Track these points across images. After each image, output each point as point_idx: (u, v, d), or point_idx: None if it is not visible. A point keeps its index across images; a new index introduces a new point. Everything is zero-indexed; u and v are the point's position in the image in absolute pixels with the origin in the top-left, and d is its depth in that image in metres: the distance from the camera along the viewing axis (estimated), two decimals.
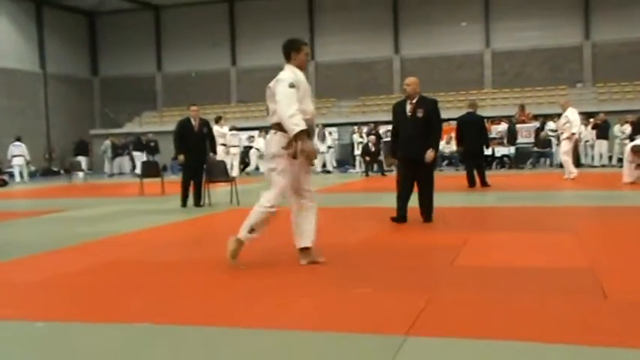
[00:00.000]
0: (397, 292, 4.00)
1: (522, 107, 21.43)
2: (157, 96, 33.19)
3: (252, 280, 4.56)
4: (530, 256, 5.16)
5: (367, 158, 18.65)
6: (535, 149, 19.85)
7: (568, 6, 27.94)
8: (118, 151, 26.21)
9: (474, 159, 12.30)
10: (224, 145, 17.46)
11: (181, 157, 10.38)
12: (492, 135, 19.37)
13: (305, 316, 3.56)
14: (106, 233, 7.28)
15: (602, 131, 19.48)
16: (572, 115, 13.26)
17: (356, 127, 22.21)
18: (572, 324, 3.22)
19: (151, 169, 14.55)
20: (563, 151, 13.53)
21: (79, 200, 12.97)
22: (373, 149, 18.67)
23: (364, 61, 30.49)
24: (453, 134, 15.77)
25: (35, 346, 3.28)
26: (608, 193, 10.52)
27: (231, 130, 19.84)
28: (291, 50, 5.24)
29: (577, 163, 16.53)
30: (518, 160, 19.86)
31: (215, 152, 11.15)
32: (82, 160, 24.57)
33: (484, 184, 12.12)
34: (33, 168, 25.06)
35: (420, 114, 7.25)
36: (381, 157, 19.12)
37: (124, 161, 26.43)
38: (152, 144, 24.42)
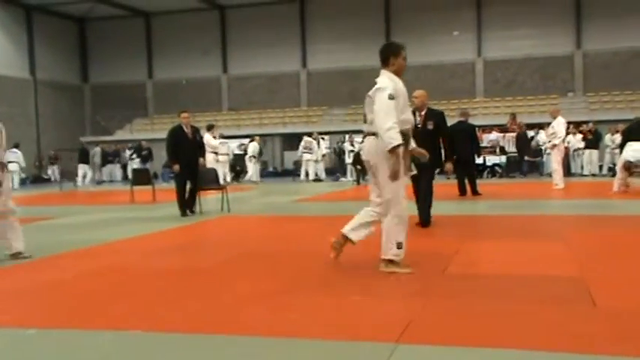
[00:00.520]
0: (389, 299, 4.00)
1: (513, 116, 21.53)
2: (147, 103, 33.14)
3: (243, 287, 4.54)
4: (521, 264, 5.17)
5: (358, 167, 18.65)
6: (525, 158, 19.93)
7: (560, 15, 28.15)
8: (108, 158, 26.09)
9: (465, 167, 12.32)
10: (215, 153, 17.42)
11: (176, 167, 10.15)
12: (484, 144, 19.44)
13: (296, 323, 3.54)
14: (97, 241, 7.24)
15: (592, 140, 19.58)
16: (557, 125, 13.33)
17: (347, 136, 22.22)
18: (562, 332, 3.22)
19: (142, 177, 14.50)
20: (554, 161, 13.60)
21: (69, 207, 12.90)
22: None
23: (356, 70, 30.54)
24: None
25: (26, 353, 3.25)
26: (598, 202, 10.57)
27: (219, 138, 19.85)
28: (390, 55, 5.05)
29: (567, 172, 16.61)
30: (510, 169, 19.94)
31: (204, 158, 11.03)
32: (85, 167, 24.53)
33: (475, 192, 12.15)
34: (23, 175, 24.95)
35: (430, 126, 7.68)
36: None
37: (115, 169, 26.32)
38: (145, 152, 24.34)
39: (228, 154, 20.45)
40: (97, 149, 26.37)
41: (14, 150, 22.25)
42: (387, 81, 4.87)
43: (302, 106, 31.42)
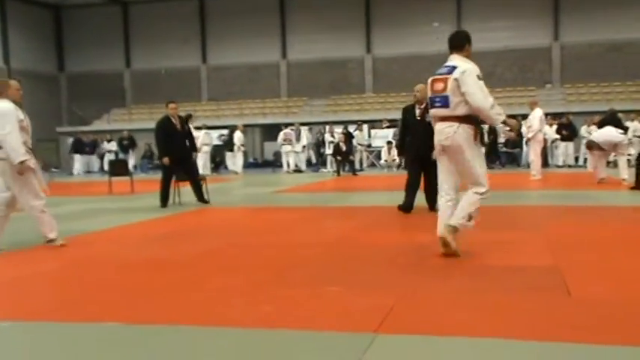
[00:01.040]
0: (367, 290, 4.02)
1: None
2: (125, 93, 32.80)
3: (221, 279, 4.54)
4: (498, 254, 5.22)
5: (338, 158, 18.68)
6: (504, 149, 20.11)
7: (538, 8, 28.35)
8: (85, 149, 25.79)
9: None
10: None
11: (166, 160, 9.87)
12: None
13: (274, 314, 3.55)
14: (73, 232, 7.17)
15: (567, 132, 19.80)
16: (533, 117, 13.47)
17: (327, 127, 22.22)
18: (538, 320, 3.27)
19: (120, 168, 14.38)
20: (532, 152, 13.75)
21: (46, 199, 12.72)
22: (344, 149, 18.71)
23: (336, 60, 30.52)
24: None
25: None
26: (574, 193, 10.70)
27: (203, 128, 19.80)
28: (466, 41, 5.20)
29: (544, 163, 16.77)
30: (488, 159, 20.10)
31: (196, 150, 10.83)
32: (78, 158, 24.26)
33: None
34: None
35: (429, 118, 7.67)
36: (352, 157, 19.20)
37: (92, 159, 26.06)
38: (125, 142, 24.13)
39: (209, 145, 20.39)
40: (70, 140, 26.11)
41: None
42: (469, 64, 5.02)
43: (282, 96, 31.32)
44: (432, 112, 5.21)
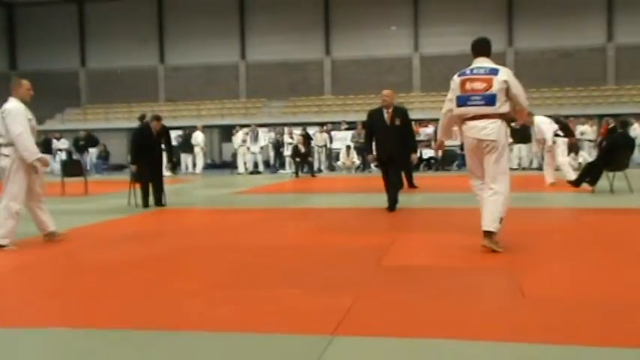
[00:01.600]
0: (324, 292, 4.03)
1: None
2: (80, 92, 32.15)
3: (178, 282, 4.48)
4: (454, 256, 5.29)
5: (297, 159, 18.68)
6: (461, 152, 20.38)
7: (493, 14, 28.93)
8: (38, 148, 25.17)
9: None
10: None
11: (133, 168, 10.04)
12: (420, 137, 19.78)
13: (231, 317, 3.53)
14: (21, 234, 6.97)
15: (521, 135, 20.16)
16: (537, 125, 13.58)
17: (286, 128, 22.19)
18: (492, 321, 3.33)
19: (74, 168, 14.07)
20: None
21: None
22: (303, 150, 18.72)
23: (295, 62, 30.52)
24: None
25: None
26: (527, 195, 10.92)
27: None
28: (491, 48, 5.53)
29: None
30: (445, 162, 20.38)
31: (171, 162, 10.79)
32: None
33: (411, 185, 12.35)
34: None
35: (397, 122, 8.56)
36: (311, 159, 19.22)
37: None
38: (82, 142, 23.57)
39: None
40: None
41: None
42: (505, 67, 5.39)
43: (241, 97, 31.17)
44: (466, 110, 5.34)
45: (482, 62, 5.35)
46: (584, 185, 10.63)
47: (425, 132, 21.32)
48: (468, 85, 5.28)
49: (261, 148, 21.78)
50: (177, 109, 29.50)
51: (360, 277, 4.51)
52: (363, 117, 24.58)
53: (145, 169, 9.97)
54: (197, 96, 30.55)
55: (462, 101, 5.36)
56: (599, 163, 10.74)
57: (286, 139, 21.56)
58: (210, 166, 24.74)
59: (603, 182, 10.46)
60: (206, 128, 23.50)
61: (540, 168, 17.88)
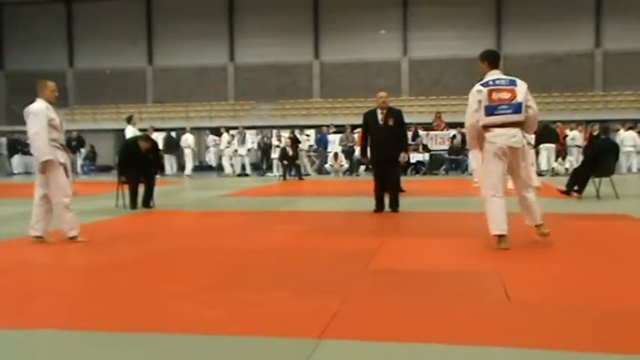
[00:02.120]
0: (311, 295, 4.03)
1: (438, 114, 22.02)
2: (68, 93, 31.96)
3: (166, 284, 4.46)
4: (441, 260, 5.32)
5: (285, 162, 18.67)
6: (449, 156, 20.49)
7: (482, 19, 29.11)
8: (25, 149, 24.94)
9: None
10: None
11: (123, 178, 10.07)
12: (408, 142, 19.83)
13: (218, 319, 3.52)
14: (7, 235, 6.93)
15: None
16: None
17: (275, 131, 22.19)
18: (478, 325, 3.34)
19: None
20: (473, 160, 13.92)
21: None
22: (291, 153, 18.71)
23: (284, 65, 30.54)
24: None
25: None
26: (514, 199, 10.98)
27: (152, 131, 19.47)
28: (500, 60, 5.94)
29: None
30: (433, 166, 20.45)
31: (161, 172, 10.74)
32: (16, 158, 23.41)
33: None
34: None
35: (391, 122, 8.69)
36: (299, 162, 19.21)
37: (32, 160, 25.22)
38: (74, 143, 23.38)
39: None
40: (3, 139, 25.24)
41: None
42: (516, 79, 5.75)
43: (229, 99, 31.13)
44: (495, 118, 5.58)
45: (499, 74, 5.73)
46: (574, 193, 10.68)
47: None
48: (495, 95, 5.57)
49: (249, 150, 21.75)
50: (166, 111, 29.42)
51: (347, 280, 4.51)
52: (352, 120, 24.69)
53: (133, 171, 9.93)
54: (185, 97, 30.48)
55: (490, 110, 5.58)
56: (585, 169, 10.80)
57: (274, 141, 21.56)
58: (197, 168, 24.66)
59: (589, 188, 10.53)
60: (194, 130, 23.44)
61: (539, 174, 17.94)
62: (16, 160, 24.43)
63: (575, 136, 20.11)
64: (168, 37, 31.05)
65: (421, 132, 21.33)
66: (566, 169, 17.94)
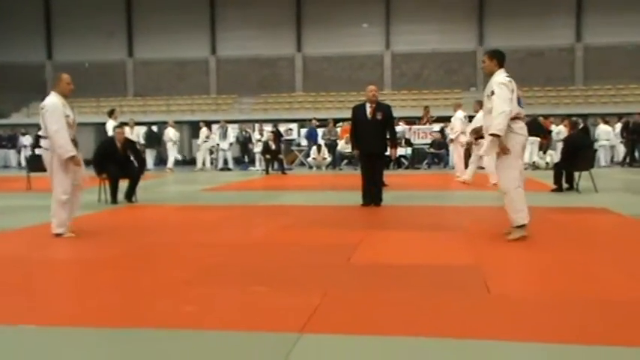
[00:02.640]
0: (293, 289, 4.02)
1: (427, 109, 22.02)
2: (46, 86, 31.58)
3: (144, 279, 4.43)
4: (422, 253, 5.34)
5: (267, 156, 18.61)
6: (431, 150, 20.54)
7: (464, 13, 29.21)
8: (2, 142, 24.69)
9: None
10: None
11: (104, 176, 9.88)
12: None
13: (198, 314, 3.49)
14: None
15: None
16: (454, 119, 13.79)
17: (257, 125, 22.11)
18: (458, 318, 3.35)
19: (40, 163, 13.74)
20: (454, 154, 14.01)
21: None
22: (273, 147, 18.66)
23: (266, 58, 30.44)
24: None
25: None
26: (497, 194, 11.05)
27: (132, 125, 19.35)
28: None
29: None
30: (415, 160, 20.50)
31: (142, 172, 10.56)
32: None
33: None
34: None
35: (379, 116, 8.78)
36: (282, 156, 19.16)
37: (10, 154, 24.96)
38: None
39: (138, 142, 19.91)
40: None
41: None
42: None
43: (211, 93, 30.96)
44: (522, 111, 5.97)
45: (505, 73, 5.96)
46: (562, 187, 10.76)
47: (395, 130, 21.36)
48: (518, 92, 5.94)
49: (231, 144, 21.67)
50: (147, 104, 29.20)
51: (328, 274, 4.50)
52: (335, 114, 24.70)
53: (112, 167, 9.82)
54: (167, 91, 30.28)
55: (519, 102, 5.95)
56: (565, 164, 10.88)
57: (256, 135, 21.48)
58: (179, 162, 24.51)
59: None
60: (176, 124, 23.30)
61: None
62: None
63: (561, 131, 20.28)
64: (148, 29, 30.79)
65: (404, 126, 21.33)
66: (547, 163, 18.08)
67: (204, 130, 21.29)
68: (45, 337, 3.19)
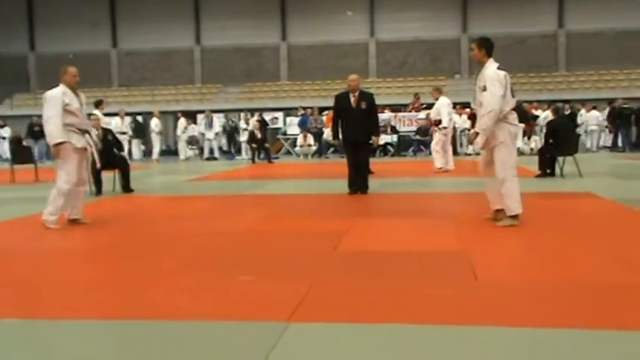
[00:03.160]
0: (280, 278, 4.03)
1: (417, 96, 22.00)
2: (29, 77, 31.26)
3: (130, 270, 4.42)
4: (409, 240, 5.36)
5: (254, 145, 18.58)
6: (417, 137, 20.59)
7: (448, 1, 29.23)
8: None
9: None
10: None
11: None
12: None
13: (184, 304, 3.50)
14: None
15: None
16: (441, 105, 13.60)
17: (242, 114, 22.04)
18: (446, 305, 3.38)
19: (23, 155, 13.68)
20: (434, 142, 13.74)
21: None
22: (259, 136, 18.62)
23: (251, 47, 30.29)
24: None
25: None
26: (482, 180, 11.11)
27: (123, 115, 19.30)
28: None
29: (455, 151, 17.16)
30: (401, 148, 20.55)
31: (121, 150, 10.45)
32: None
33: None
34: None
35: (363, 106, 8.84)
36: (267, 145, 19.13)
37: None
38: (37, 128, 22.78)
39: (126, 133, 19.87)
40: None
41: None
42: None
43: (196, 83, 30.79)
44: (515, 102, 6.01)
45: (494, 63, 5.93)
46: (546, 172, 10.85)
47: (380, 118, 21.37)
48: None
49: (216, 134, 21.61)
50: (132, 95, 29.00)
51: (316, 263, 4.52)
52: (320, 102, 24.62)
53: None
54: (152, 81, 30.08)
55: (513, 93, 5.94)
56: (549, 149, 10.96)
57: (242, 124, 21.43)
58: (165, 152, 24.40)
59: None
60: (161, 114, 23.17)
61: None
62: None
63: (548, 116, 20.41)
64: (132, 19, 30.51)
65: (389, 113, 21.34)
66: (532, 148, 18.20)
67: (182, 121, 21.26)
68: (30, 330, 3.18)
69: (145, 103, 27.42)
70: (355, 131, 8.79)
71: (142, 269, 4.45)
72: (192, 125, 22.46)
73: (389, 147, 20.50)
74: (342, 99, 9.02)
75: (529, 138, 19.17)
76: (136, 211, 8.20)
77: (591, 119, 20.65)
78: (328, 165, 16.48)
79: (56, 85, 6.49)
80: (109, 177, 10.10)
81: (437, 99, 13.65)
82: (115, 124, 17.62)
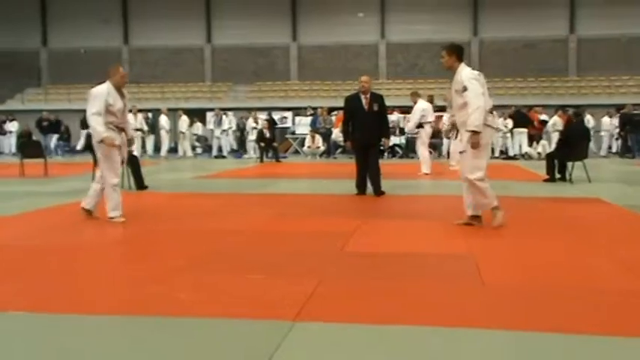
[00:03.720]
0: (287, 277, 4.04)
1: (431, 98, 21.93)
2: (41, 72, 31.41)
3: (139, 266, 4.45)
4: (416, 242, 5.37)
5: (262, 144, 18.60)
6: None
7: (459, 4, 29.17)
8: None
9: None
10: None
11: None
12: None
13: (192, 302, 3.52)
14: None
15: None
16: (430, 108, 13.56)
17: (252, 113, 22.07)
18: (453, 308, 3.38)
19: (32, 149, 13.76)
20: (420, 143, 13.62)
21: None
22: (268, 135, 18.64)
23: (261, 47, 30.31)
24: None
25: None
26: (491, 183, 11.08)
27: (135, 112, 19.38)
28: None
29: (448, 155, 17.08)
30: (409, 149, 20.51)
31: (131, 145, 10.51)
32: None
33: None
34: None
35: (375, 107, 8.82)
36: (276, 144, 19.15)
37: (3, 140, 24.84)
38: (45, 123, 22.91)
39: (142, 129, 20.01)
40: None
41: None
42: None
43: (206, 81, 30.85)
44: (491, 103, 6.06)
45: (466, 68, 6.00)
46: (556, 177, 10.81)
47: (390, 119, 21.34)
48: None
49: (224, 131, 21.65)
50: (142, 92, 29.06)
51: (322, 263, 4.53)
52: (329, 103, 24.60)
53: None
54: (162, 78, 30.15)
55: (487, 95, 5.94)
56: (560, 154, 10.92)
57: (250, 123, 21.47)
58: (174, 150, 24.48)
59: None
60: (170, 112, 23.25)
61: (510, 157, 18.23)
62: None
63: (557, 122, 20.38)
64: (143, 16, 30.60)
65: (398, 115, 21.31)
66: (539, 153, 18.14)
67: (184, 119, 21.32)
68: (34, 323, 3.20)
69: (155, 100, 27.50)
70: (366, 133, 8.78)
71: (149, 265, 4.47)
72: (198, 124, 22.55)
73: (397, 148, 20.47)
74: (353, 101, 8.98)
75: (537, 142, 19.12)
76: (143, 207, 8.24)
77: (605, 124, 20.96)
78: (336, 165, 16.49)
79: (103, 81, 6.55)
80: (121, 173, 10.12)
81: (415, 102, 13.60)
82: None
